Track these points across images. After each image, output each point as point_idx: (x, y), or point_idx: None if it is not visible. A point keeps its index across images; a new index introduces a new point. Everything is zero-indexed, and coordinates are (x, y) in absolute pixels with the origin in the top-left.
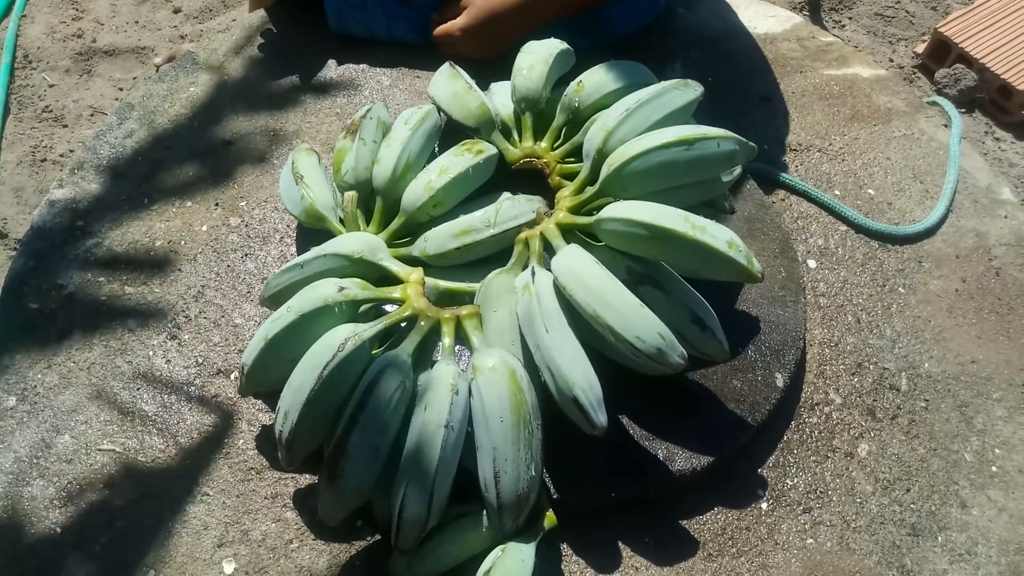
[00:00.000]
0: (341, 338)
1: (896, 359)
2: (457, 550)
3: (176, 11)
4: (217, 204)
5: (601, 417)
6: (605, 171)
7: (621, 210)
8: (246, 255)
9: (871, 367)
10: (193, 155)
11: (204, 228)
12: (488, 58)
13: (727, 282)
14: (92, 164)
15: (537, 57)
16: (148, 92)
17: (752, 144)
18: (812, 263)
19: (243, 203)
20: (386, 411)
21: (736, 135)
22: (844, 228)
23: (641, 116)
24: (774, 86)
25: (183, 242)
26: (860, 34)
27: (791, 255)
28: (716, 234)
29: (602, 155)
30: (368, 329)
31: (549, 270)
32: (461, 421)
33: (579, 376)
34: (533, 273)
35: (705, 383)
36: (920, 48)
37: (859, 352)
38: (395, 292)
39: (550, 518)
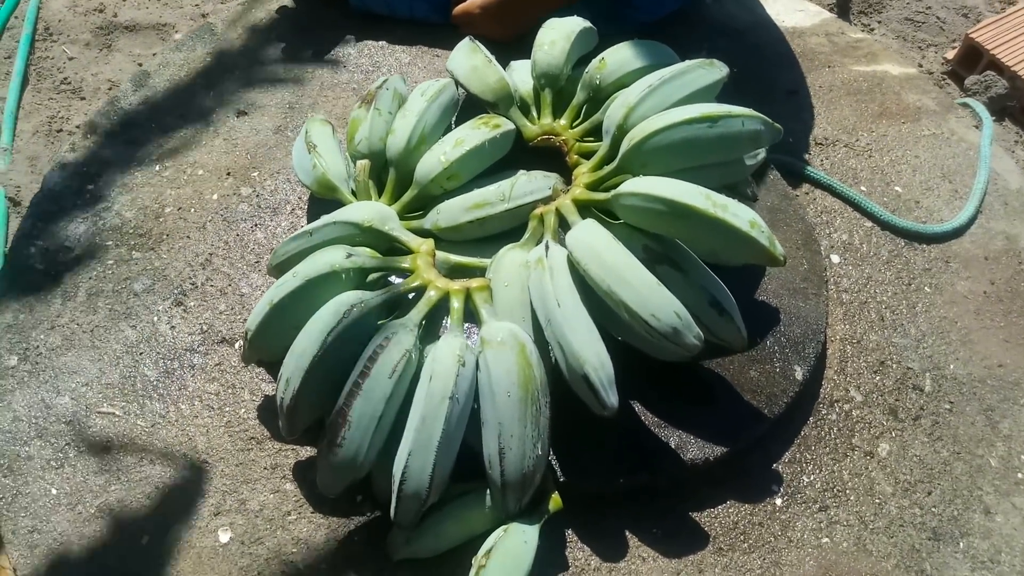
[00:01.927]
0: (347, 304)
1: (920, 359)
2: (458, 528)
3: None
4: (229, 173)
5: (612, 397)
6: (625, 146)
7: (640, 185)
8: (256, 225)
9: (894, 366)
10: (207, 124)
11: (215, 197)
12: (506, 39)
13: (747, 270)
14: (105, 129)
15: (559, 33)
16: (165, 61)
17: (778, 126)
18: (836, 258)
19: (255, 173)
20: (389, 380)
21: (762, 115)
22: (869, 224)
23: (664, 94)
24: (801, 80)
25: (193, 210)
26: (889, 38)
27: (814, 248)
28: (738, 213)
29: (622, 131)
30: (375, 297)
31: (564, 247)
32: (467, 394)
33: (591, 353)
34: (547, 247)
35: (721, 372)
36: (950, 54)
37: (882, 350)
38: (404, 262)
39: (555, 501)
